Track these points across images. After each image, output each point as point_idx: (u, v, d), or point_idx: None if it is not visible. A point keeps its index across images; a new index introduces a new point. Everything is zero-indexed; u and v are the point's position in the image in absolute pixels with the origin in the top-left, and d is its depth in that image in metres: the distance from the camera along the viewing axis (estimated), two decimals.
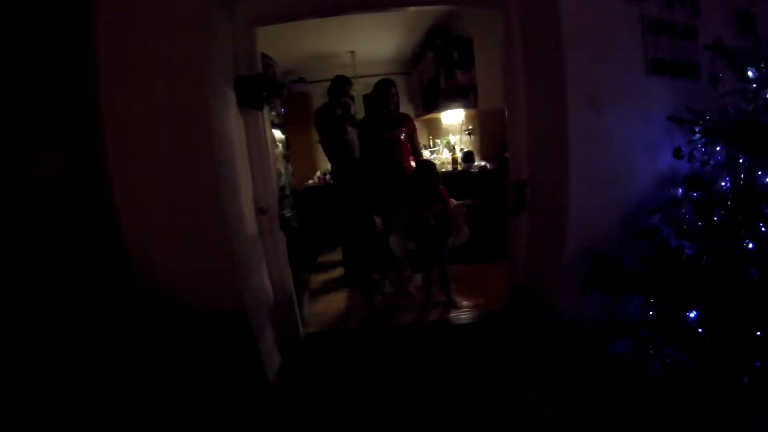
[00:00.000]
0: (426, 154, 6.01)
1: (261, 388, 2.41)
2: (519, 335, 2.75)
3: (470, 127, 5.04)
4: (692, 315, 1.71)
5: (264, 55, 2.94)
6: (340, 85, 4.01)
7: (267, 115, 2.80)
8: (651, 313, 1.92)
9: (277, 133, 3.68)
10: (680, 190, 1.97)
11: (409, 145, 3.80)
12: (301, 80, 6.05)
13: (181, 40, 2.07)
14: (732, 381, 1.56)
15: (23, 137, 1.80)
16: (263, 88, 2.56)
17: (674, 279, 1.82)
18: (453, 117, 5.46)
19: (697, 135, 1.82)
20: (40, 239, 1.82)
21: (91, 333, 1.76)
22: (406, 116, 3.88)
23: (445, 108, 5.27)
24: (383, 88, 3.73)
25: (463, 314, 3.25)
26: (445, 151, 5.62)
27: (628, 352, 2.10)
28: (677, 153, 1.89)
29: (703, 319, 1.70)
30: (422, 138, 7.18)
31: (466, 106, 4.98)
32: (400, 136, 3.71)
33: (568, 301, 2.39)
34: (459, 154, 4.91)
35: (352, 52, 6.03)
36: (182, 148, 2.13)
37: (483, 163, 4.50)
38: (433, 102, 5.65)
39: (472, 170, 4.44)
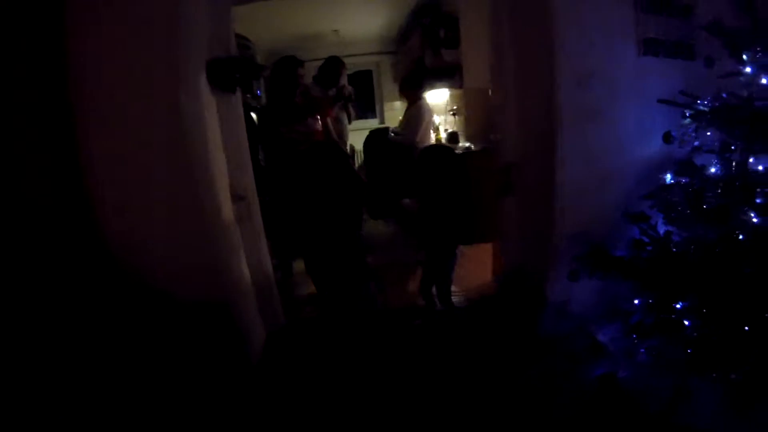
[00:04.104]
0: None
1: (244, 371, 2.36)
2: (508, 321, 2.69)
3: (455, 107, 4.93)
4: (679, 306, 1.66)
5: (241, 37, 2.82)
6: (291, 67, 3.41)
7: (240, 98, 2.66)
8: (637, 301, 1.88)
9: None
10: (669, 175, 1.91)
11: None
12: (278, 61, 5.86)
13: (155, 19, 1.96)
14: (720, 376, 1.51)
15: None
16: (236, 70, 2.42)
17: (662, 267, 1.77)
18: (438, 97, 5.35)
19: (688, 119, 1.74)
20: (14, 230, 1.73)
21: (70, 322, 1.72)
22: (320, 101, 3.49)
23: (431, 87, 5.14)
24: (287, 69, 3.26)
25: (455, 298, 3.16)
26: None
27: (616, 339, 2.08)
28: (667, 137, 1.82)
29: (691, 310, 1.65)
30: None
31: (451, 86, 4.87)
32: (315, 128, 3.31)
33: (557, 287, 2.35)
34: (443, 135, 4.81)
35: (336, 31, 5.84)
36: (155, 131, 2.04)
37: (468, 144, 4.40)
38: (418, 81, 5.51)
39: (457, 151, 4.34)
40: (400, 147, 4.17)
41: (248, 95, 3.21)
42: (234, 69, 2.42)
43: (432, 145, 4.01)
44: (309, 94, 3.43)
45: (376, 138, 4.69)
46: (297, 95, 3.33)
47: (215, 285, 2.24)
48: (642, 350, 1.89)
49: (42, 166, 1.91)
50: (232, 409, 2.12)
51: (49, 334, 1.63)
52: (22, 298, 1.60)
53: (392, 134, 4.66)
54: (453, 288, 3.25)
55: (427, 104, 4.34)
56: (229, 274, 2.35)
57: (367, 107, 7.67)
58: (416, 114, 4.27)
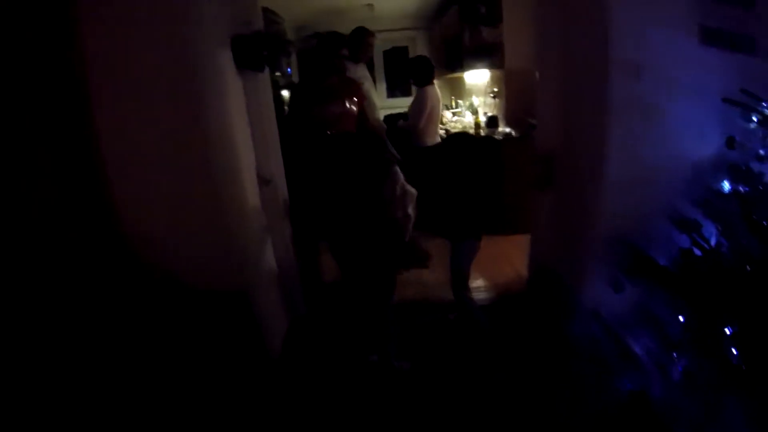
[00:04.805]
0: (448, 115, 5.75)
1: (263, 362, 2.31)
2: (538, 321, 2.57)
3: (496, 90, 4.71)
4: (729, 330, 1.51)
5: (268, 11, 2.69)
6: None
7: (268, 77, 2.57)
8: (682, 318, 1.73)
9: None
10: (726, 182, 1.73)
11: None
12: (317, 36, 5.73)
13: None
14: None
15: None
16: (264, 47, 2.32)
17: (713, 284, 1.61)
18: (477, 77, 5.13)
19: (755, 124, 1.55)
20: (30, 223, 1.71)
21: (85, 314, 1.69)
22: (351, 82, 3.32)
23: (469, 67, 4.96)
24: (329, 46, 3.11)
25: (480, 293, 3.07)
26: (468, 113, 5.31)
27: (652, 352, 1.94)
28: (730, 143, 1.63)
29: (741, 337, 1.49)
30: (444, 98, 6.87)
31: (491, 66, 4.64)
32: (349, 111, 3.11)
33: (591, 289, 2.19)
34: (482, 119, 4.62)
35: (370, 5, 5.65)
36: (168, 111, 1.95)
37: (508, 130, 4.21)
38: (457, 60, 5.30)
39: (496, 136, 4.17)
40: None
41: (277, 73, 3.09)
42: (261, 46, 2.32)
43: (455, 133, 3.83)
44: (345, 75, 3.29)
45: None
46: (333, 75, 3.17)
47: (235, 274, 2.17)
48: (680, 368, 1.75)
49: (56, 153, 1.85)
50: (246, 400, 2.09)
51: (67, 326, 1.61)
52: (41, 291, 1.59)
53: (401, 121, 4.48)
54: (481, 283, 3.17)
55: (434, 91, 4.13)
56: (250, 262, 2.30)
57: (401, 85, 7.41)
58: (419, 100, 4.09)
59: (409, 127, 4.12)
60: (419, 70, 4.15)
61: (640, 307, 1.96)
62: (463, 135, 3.08)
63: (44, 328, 1.56)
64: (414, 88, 4.45)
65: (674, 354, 1.73)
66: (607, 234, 2.09)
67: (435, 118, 4.19)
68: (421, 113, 4.04)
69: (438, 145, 4.16)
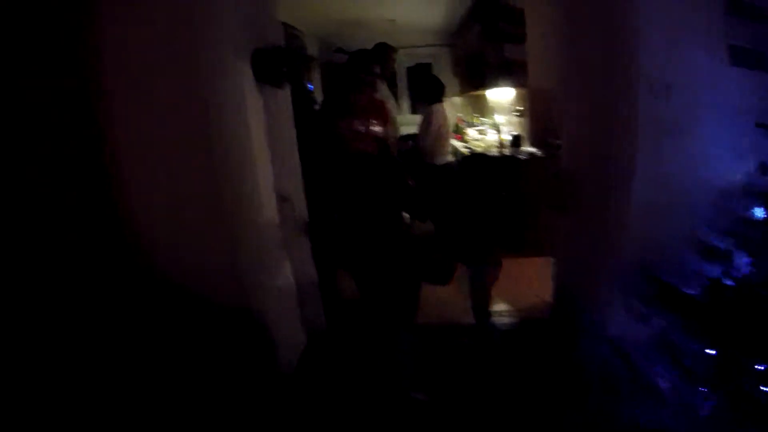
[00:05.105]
0: (472, 133, 5.71)
1: (275, 380, 2.29)
2: (554, 349, 2.49)
3: (521, 108, 4.65)
4: (761, 367, 1.42)
5: (290, 26, 2.70)
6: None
7: (289, 93, 2.57)
8: (713, 352, 1.64)
9: None
10: (760, 209, 1.65)
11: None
12: (340, 51, 5.78)
13: (185, 9, 1.85)
14: None
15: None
16: (283, 62, 2.32)
17: (745, 316, 1.53)
18: (501, 95, 5.08)
19: None
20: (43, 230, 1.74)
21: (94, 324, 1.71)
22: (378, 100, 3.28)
23: (492, 85, 4.89)
24: (361, 63, 3.06)
25: (502, 318, 2.99)
26: (492, 132, 5.25)
27: (676, 386, 1.84)
28: (764, 168, 1.56)
29: None
30: (466, 116, 6.82)
31: (515, 84, 4.58)
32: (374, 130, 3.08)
33: (612, 319, 2.12)
34: (506, 137, 4.56)
35: (392, 20, 5.67)
36: (188, 128, 1.95)
37: (532, 150, 4.13)
38: (479, 78, 5.27)
39: (520, 156, 4.08)
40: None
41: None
42: (281, 61, 2.31)
43: (471, 155, 3.78)
44: (374, 93, 3.27)
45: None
46: (362, 92, 3.14)
47: (248, 290, 2.15)
48: (705, 405, 1.65)
49: (69, 165, 1.89)
50: (256, 418, 2.07)
51: (77, 337, 1.62)
52: (50, 299, 1.60)
53: (410, 142, 4.44)
54: (504, 307, 3.08)
55: (441, 109, 4.10)
56: (267, 279, 2.28)
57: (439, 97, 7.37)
58: (426, 118, 4.08)
59: (417, 146, 4.10)
60: (426, 87, 4.16)
61: (665, 339, 1.87)
62: (478, 157, 3.02)
63: (54, 336, 1.57)
64: (460, 99, 4.43)
65: (699, 389, 1.64)
66: (631, 260, 2.02)
67: (443, 137, 4.15)
68: (427, 132, 4.03)
69: (449, 164, 4.13)
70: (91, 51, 1.86)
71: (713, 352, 1.61)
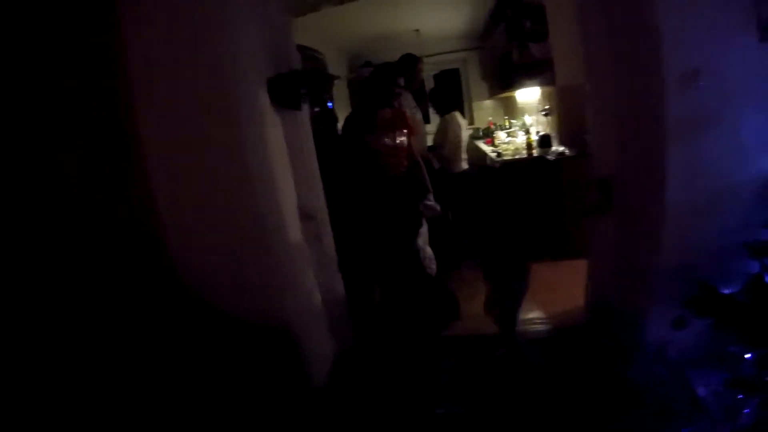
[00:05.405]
0: (501, 136, 5.61)
1: (306, 396, 2.27)
2: (597, 359, 2.36)
3: (547, 107, 4.53)
4: None
5: (307, 48, 2.73)
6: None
7: (308, 114, 2.59)
8: (750, 355, 1.52)
9: None
10: None
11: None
12: (368, 65, 5.82)
13: (206, 34, 1.92)
14: None
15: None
16: (301, 84, 2.34)
17: None
18: (529, 95, 4.97)
19: None
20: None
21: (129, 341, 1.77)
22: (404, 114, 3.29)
23: (520, 85, 4.80)
24: (385, 77, 3.09)
25: (535, 326, 2.89)
26: (521, 133, 5.13)
27: (719, 394, 1.72)
28: None
29: None
30: (497, 119, 6.70)
31: (542, 83, 4.48)
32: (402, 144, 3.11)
33: (654, 326, 2.00)
34: (534, 138, 4.44)
35: (417, 30, 5.67)
36: (213, 154, 2.04)
37: (561, 149, 4.00)
38: (507, 79, 5.17)
39: (549, 157, 3.96)
40: None
41: (317, 109, 3.12)
42: (298, 84, 2.34)
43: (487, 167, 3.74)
44: (400, 107, 3.27)
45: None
46: (387, 105, 3.15)
47: (279, 308, 2.18)
48: (746, 411, 1.53)
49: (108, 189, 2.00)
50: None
51: (105, 346, 1.67)
52: (89, 318, 1.65)
53: (429, 153, 4.43)
54: (537, 314, 2.97)
55: (455, 118, 4.12)
56: (293, 296, 2.29)
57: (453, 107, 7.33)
58: (441, 128, 4.17)
59: (435, 156, 4.12)
60: (438, 98, 4.25)
61: (707, 338, 1.74)
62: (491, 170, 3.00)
63: (88, 351, 1.62)
64: (490, 102, 4.45)
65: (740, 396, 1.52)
66: (670, 262, 1.90)
67: (458, 145, 4.15)
68: (444, 141, 4.08)
69: (465, 172, 4.15)
70: (122, 79, 1.96)
71: (749, 355, 1.50)
